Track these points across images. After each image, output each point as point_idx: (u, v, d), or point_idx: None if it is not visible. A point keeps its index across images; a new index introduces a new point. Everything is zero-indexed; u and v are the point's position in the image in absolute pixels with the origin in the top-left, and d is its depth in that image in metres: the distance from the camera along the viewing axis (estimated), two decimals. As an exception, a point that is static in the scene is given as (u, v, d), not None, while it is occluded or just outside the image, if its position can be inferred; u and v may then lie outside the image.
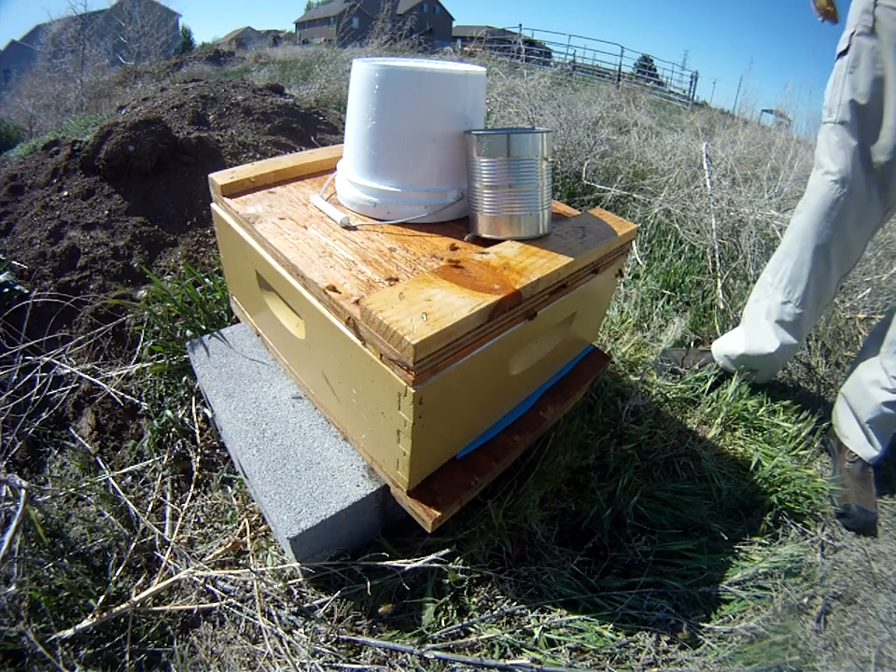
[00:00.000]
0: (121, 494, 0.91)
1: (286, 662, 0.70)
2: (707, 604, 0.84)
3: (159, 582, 0.79)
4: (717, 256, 1.80)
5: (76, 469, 1.01)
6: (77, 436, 1.06)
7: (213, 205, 0.90)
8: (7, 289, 1.23)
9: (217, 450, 1.03)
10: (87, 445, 1.04)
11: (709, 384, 1.26)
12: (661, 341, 1.44)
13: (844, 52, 0.97)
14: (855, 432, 1.11)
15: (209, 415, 1.04)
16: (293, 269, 0.70)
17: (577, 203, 2.20)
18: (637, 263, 1.82)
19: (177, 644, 0.75)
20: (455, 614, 0.78)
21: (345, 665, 0.71)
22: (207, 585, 0.81)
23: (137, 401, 1.09)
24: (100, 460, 1.00)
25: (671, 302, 1.62)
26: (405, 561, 0.76)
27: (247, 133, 2.00)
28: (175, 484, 0.98)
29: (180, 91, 2.36)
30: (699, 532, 0.94)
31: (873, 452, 1.09)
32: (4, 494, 0.83)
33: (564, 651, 0.75)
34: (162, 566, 0.81)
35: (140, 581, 0.82)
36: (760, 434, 1.18)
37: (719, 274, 1.73)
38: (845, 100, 0.97)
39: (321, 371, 0.77)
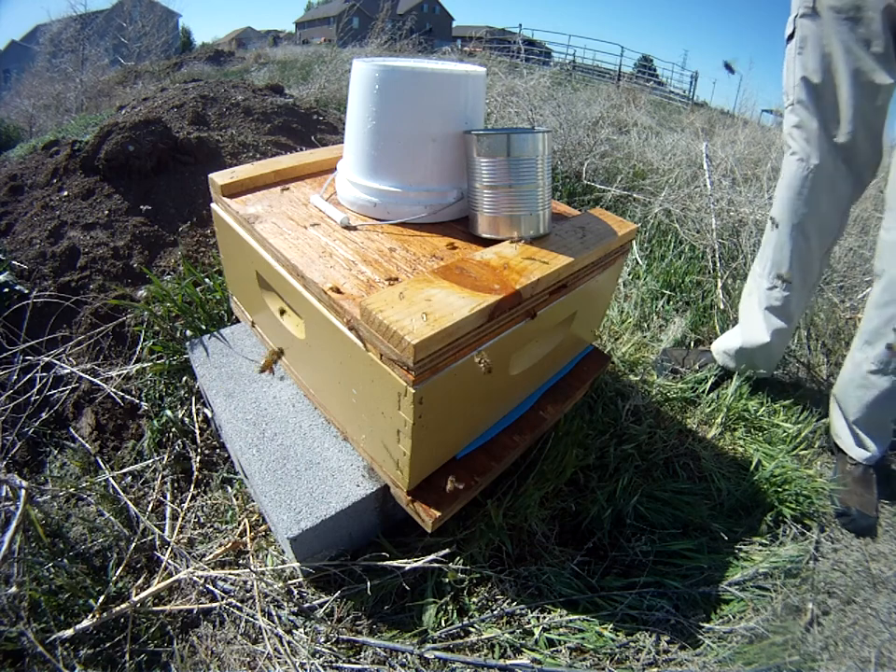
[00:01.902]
0: (121, 494, 0.91)
1: (286, 662, 0.70)
2: (707, 604, 0.84)
3: (159, 582, 0.79)
4: (717, 256, 1.80)
5: (76, 469, 1.01)
6: (76, 436, 1.06)
7: (213, 205, 0.90)
8: (7, 289, 1.23)
9: (217, 450, 1.03)
10: (87, 445, 1.04)
11: (709, 384, 1.26)
12: (661, 341, 1.44)
13: (791, 36, 0.98)
14: (845, 432, 1.11)
15: (209, 415, 1.04)
16: (293, 269, 0.70)
17: (577, 203, 2.20)
18: (637, 263, 1.82)
19: (177, 644, 0.75)
20: (455, 614, 0.78)
21: (345, 665, 0.71)
22: (207, 585, 0.81)
23: (137, 401, 1.09)
24: (100, 460, 1.00)
25: (671, 302, 1.62)
26: (405, 561, 0.76)
27: (247, 133, 2.00)
28: (175, 484, 0.98)
29: (180, 90, 2.36)
30: (699, 532, 0.94)
31: (864, 453, 1.08)
32: (4, 494, 0.83)
33: (564, 650, 0.75)
34: (162, 566, 0.81)
35: (140, 581, 0.82)
36: (760, 434, 1.18)
37: (719, 274, 1.73)
38: (797, 79, 0.98)
39: (321, 370, 0.77)
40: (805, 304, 1.19)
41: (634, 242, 1.89)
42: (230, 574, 0.79)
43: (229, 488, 0.96)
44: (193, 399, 1.08)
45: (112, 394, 1.06)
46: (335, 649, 0.73)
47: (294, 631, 0.74)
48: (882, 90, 0.88)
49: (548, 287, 0.70)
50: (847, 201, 1.04)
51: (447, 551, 0.75)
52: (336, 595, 0.76)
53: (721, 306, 1.60)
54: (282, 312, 0.82)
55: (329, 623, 0.75)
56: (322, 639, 0.73)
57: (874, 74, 0.87)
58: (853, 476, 1.08)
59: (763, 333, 1.19)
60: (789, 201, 1.07)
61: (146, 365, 1.12)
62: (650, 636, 0.78)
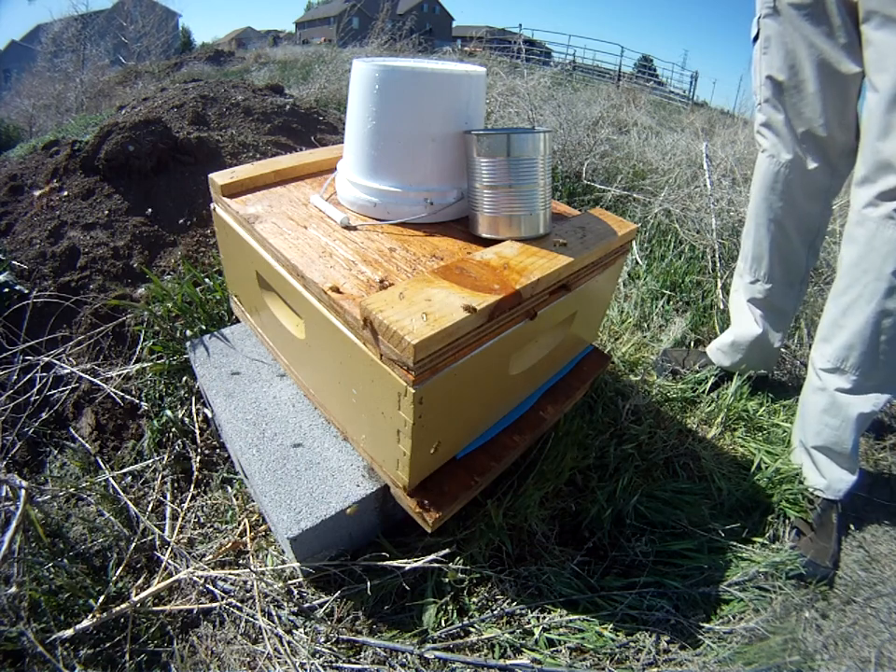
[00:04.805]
0: (121, 494, 0.91)
1: (286, 662, 0.70)
2: (707, 604, 0.84)
3: (159, 582, 0.79)
4: (717, 256, 1.80)
5: (76, 469, 1.01)
6: (76, 436, 1.06)
7: (213, 205, 0.90)
8: (7, 289, 1.23)
9: (217, 450, 1.03)
10: (87, 445, 1.04)
11: (709, 384, 1.26)
12: (661, 341, 1.44)
13: (756, 37, 0.99)
14: (802, 455, 1.03)
15: (209, 415, 1.04)
16: (293, 269, 0.70)
17: (577, 203, 2.20)
18: (637, 263, 1.82)
19: (177, 644, 0.75)
20: (455, 614, 0.78)
21: (345, 665, 0.71)
22: (207, 585, 0.81)
23: (137, 401, 1.09)
24: (100, 460, 1.00)
25: (671, 302, 1.62)
26: (405, 561, 0.76)
27: (247, 133, 2.00)
28: (175, 484, 0.98)
29: (180, 90, 2.36)
30: (699, 532, 0.94)
31: (820, 481, 0.98)
32: (4, 494, 0.83)
33: (564, 650, 0.75)
34: (162, 566, 0.81)
35: (140, 581, 0.82)
36: (760, 434, 1.18)
37: (719, 274, 1.73)
38: (763, 79, 0.99)
39: (321, 370, 0.77)
40: (797, 298, 1.18)
41: (634, 242, 1.89)
42: (230, 574, 0.79)
43: (229, 488, 0.96)
44: (193, 399, 1.08)
45: (112, 394, 1.06)
46: (335, 649, 0.73)
47: (294, 631, 0.74)
48: (849, 79, 0.88)
49: (548, 287, 0.70)
50: (826, 193, 1.04)
51: (447, 551, 0.75)
52: (336, 595, 0.76)
53: (721, 306, 1.60)
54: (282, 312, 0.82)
55: (329, 623, 0.75)
56: (322, 639, 0.73)
57: (840, 64, 0.88)
58: (813, 515, 0.98)
59: (754, 325, 1.19)
60: (763, 198, 1.07)
61: (146, 365, 1.12)
62: (650, 636, 0.78)
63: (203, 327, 1.16)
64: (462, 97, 0.75)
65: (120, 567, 0.82)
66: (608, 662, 0.75)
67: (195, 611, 0.78)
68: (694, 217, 2.02)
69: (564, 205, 0.93)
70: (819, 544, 0.94)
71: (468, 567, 0.81)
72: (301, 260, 0.69)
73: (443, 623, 0.77)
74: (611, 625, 0.78)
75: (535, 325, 0.71)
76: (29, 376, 1.08)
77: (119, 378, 1.11)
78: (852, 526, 1.04)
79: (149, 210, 1.49)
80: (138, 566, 0.85)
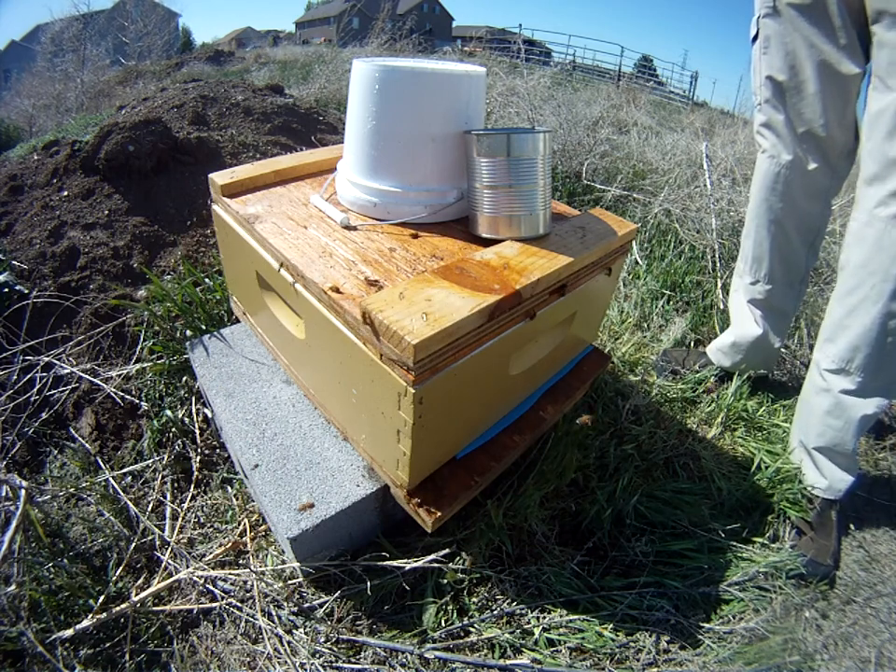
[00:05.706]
0: (121, 494, 0.91)
1: (286, 662, 0.70)
2: (707, 604, 0.84)
3: (159, 582, 0.79)
4: (717, 256, 1.80)
5: (76, 469, 1.01)
6: (76, 436, 1.06)
7: (213, 205, 0.90)
8: (7, 289, 1.23)
9: (217, 450, 1.03)
10: (87, 445, 1.04)
11: (710, 384, 1.26)
12: (661, 341, 1.44)
13: (755, 37, 0.99)
14: (802, 455, 1.02)
15: (209, 415, 1.04)
16: (293, 269, 0.70)
17: (577, 203, 2.20)
18: (637, 263, 1.82)
19: (177, 644, 0.75)
20: (455, 614, 0.78)
21: (345, 665, 0.71)
22: (207, 585, 0.81)
23: (137, 401, 1.09)
24: (100, 460, 1.00)
25: (671, 302, 1.62)
26: (405, 561, 0.76)
27: (247, 133, 2.00)
28: (175, 484, 0.98)
29: (180, 90, 2.36)
30: (699, 532, 0.94)
31: (822, 481, 0.98)
32: (4, 494, 0.83)
33: (564, 650, 0.75)
34: (162, 566, 0.81)
35: (140, 581, 0.82)
36: (760, 434, 1.18)
37: (719, 274, 1.73)
38: (763, 79, 0.99)
39: (321, 370, 0.77)
40: (797, 298, 1.17)
41: (634, 242, 1.89)
42: (230, 574, 0.79)
43: (229, 488, 0.96)
44: (193, 399, 1.08)
45: (112, 394, 1.06)
46: (335, 649, 0.73)
47: (294, 631, 0.74)
48: (849, 79, 0.88)
49: (548, 287, 0.70)
50: (826, 193, 1.04)
51: (447, 551, 0.75)
52: (336, 595, 0.76)
53: (721, 306, 1.60)
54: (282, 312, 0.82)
55: (329, 623, 0.75)
56: (322, 639, 0.73)
57: (840, 65, 0.88)
58: (812, 514, 0.98)
59: (754, 326, 1.19)
60: (763, 199, 1.07)
61: (146, 365, 1.12)
62: (650, 636, 0.78)
63: (203, 327, 1.16)
64: (462, 97, 0.75)
65: (120, 567, 0.82)
66: (608, 662, 0.75)
67: (195, 611, 0.78)
68: (694, 217, 2.02)
69: (564, 205, 0.93)
70: (819, 543, 0.94)
71: (468, 567, 0.81)
72: (301, 260, 0.69)
73: (443, 623, 0.77)
74: (611, 625, 0.78)
75: (535, 325, 0.71)
76: (29, 376, 1.08)
77: (119, 378, 1.11)
78: (852, 526, 1.04)
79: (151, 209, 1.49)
80: (138, 566, 0.85)
